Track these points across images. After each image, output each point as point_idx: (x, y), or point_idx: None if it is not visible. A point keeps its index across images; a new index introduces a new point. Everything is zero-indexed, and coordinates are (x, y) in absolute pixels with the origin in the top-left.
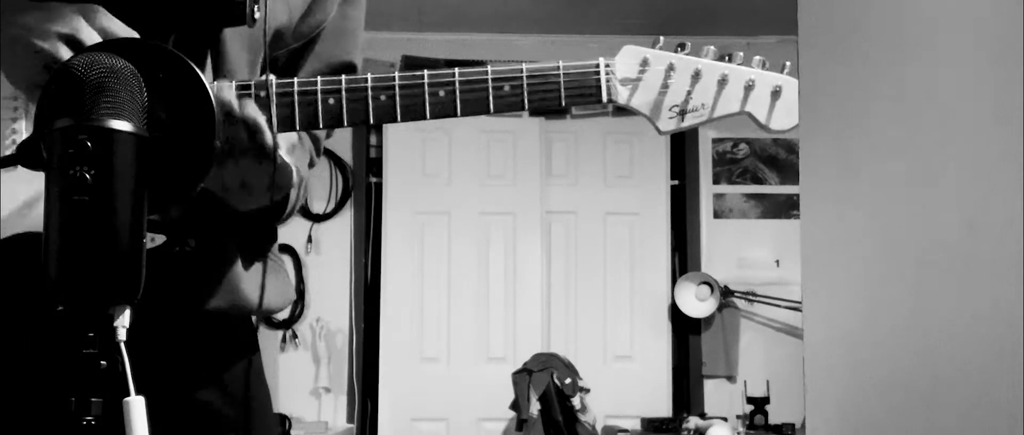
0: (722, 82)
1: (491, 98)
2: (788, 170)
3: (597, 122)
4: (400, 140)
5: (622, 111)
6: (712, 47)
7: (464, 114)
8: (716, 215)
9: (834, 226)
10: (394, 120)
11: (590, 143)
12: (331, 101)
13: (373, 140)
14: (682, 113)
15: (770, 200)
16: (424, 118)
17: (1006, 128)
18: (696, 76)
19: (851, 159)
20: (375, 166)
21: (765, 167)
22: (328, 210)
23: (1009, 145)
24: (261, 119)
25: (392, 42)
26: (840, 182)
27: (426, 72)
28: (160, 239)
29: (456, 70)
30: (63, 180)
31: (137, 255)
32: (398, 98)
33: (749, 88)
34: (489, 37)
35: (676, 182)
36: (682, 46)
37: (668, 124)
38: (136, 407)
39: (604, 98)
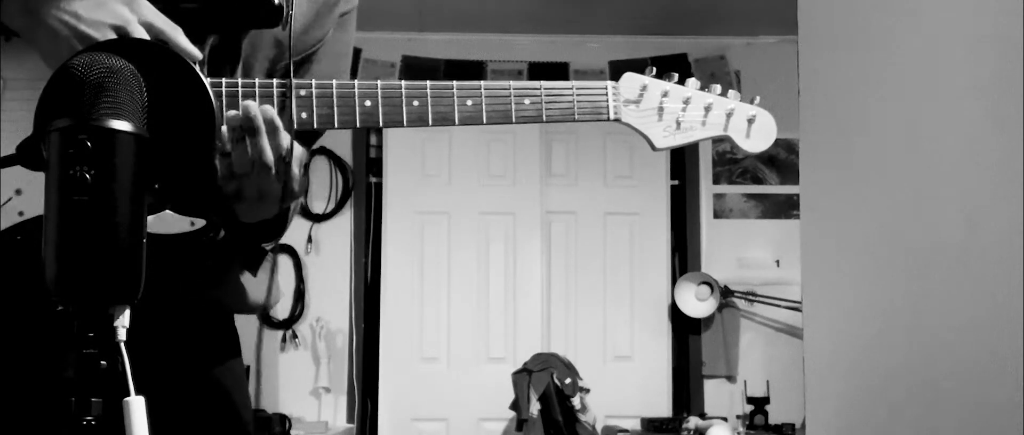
0: (708, 109)
1: (513, 110)
2: (788, 170)
3: (597, 123)
4: (400, 140)
5: None
6: (693, 79)
7: (489, 123)
8: (716, 215)
9: (834, 226)
10: (425, 124)
11: (590, 143)
12: (368, 103)
13: (373, 140)
14: (674, 133)
15: (770, 200)
16: (453, 124)
17: (1006, 128)
18: (686, 102)
19: (851, 159)
20: (375, 166)
21: (765, 167)
22: (328, 210)
23: (1009, 145)
24: (278, 120)
25: (392, 42)
26: (840, 182)
27: (455, 83)
28: (200, 223)
29: (482, 83)
30: (63, 180)
31: (137, 255)
32: (430, 104)
33: (729, 115)
34: (489, 37)
35: (676, 182)
36: (669, 76)
37: (663, 142)
38: (136, 407)
39: (611, 116)
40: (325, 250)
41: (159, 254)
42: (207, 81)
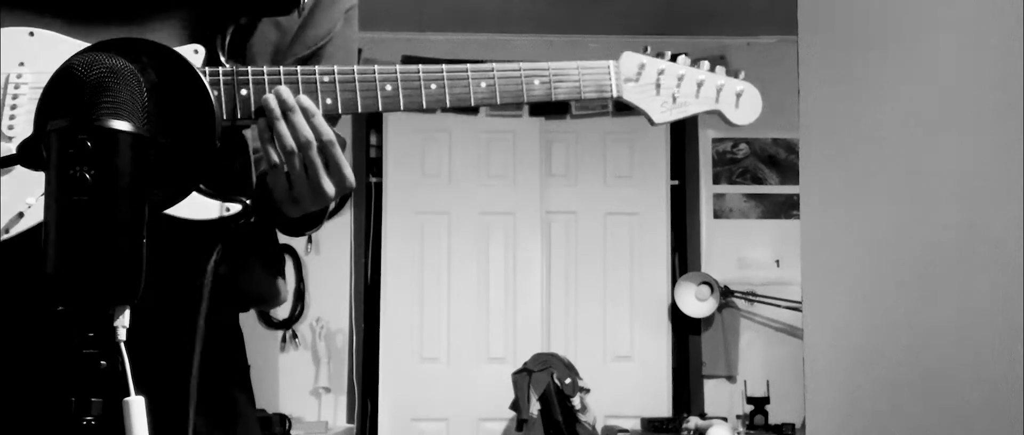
0: (700, 84)
1: (525, 90)
2: (788, 170)
3: (597, 122)
4: (400, 140)
5: (622, 111)
6: (683, 55)
7: (502, 103)
8: (716, 215)
9: (834, 226)
10: (443, 107)
11: (590, 143)
12: (389, 88)
13: (373, 140)
14: (671, 108)
15: (770, 200)
16: (469, 105)
17: (1006, 128)
18: (681, 79)
19: (851, 159)
20: (375, 166)
21: (765, 167)
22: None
23: (1009, 145)
24: (315, 107)
25: (392, 42)
26: (840, 182)
27: (469, 66)
28: (235, 208)
29: (494, 65)
30: (63, 180)
31: (137, 255)
32: (446, 87)
33: (719, 90)
34: (489, 37)
35: (676, 182)
36: (662, 54)
37: (660, 117)
38: (136, 407)
39: (614, 94)
40: (325, 250)
41: (190, 239)
42: (217, 71)
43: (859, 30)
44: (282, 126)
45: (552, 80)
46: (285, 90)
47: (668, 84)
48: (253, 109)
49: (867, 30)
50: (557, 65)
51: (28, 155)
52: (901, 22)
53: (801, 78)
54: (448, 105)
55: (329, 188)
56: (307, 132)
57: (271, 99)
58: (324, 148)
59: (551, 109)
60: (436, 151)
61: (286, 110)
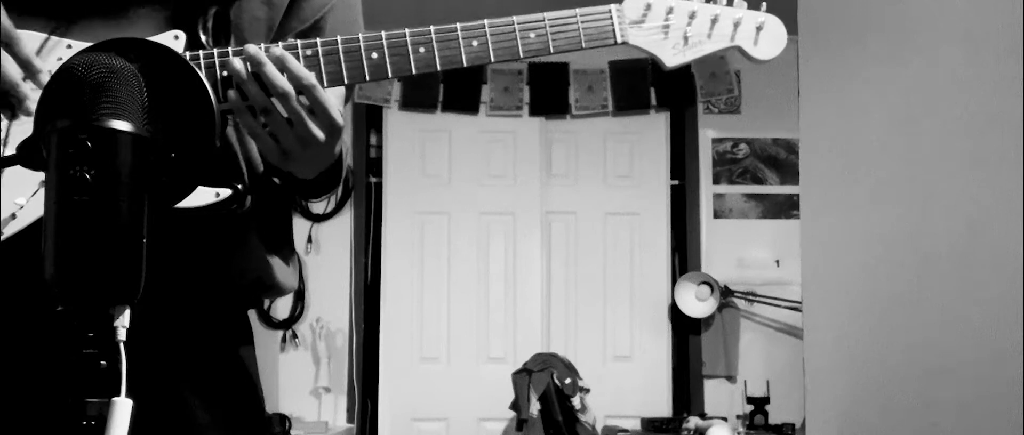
0: (714, 21)
1: (520, 45)
2: (788, 170)
3: (597, 122)
4: (400, 140)
5: (622, 110)
6: None
7: (497, 60)
8: (716, 215)
9: (834, 226)
10: (433, 70)
11: (590, 143)
12: (375, 55)
13: (373, 140)
14: (683, 49)
15: (770, 200)
16: (461, 66)
17: (1006, 129)
18: (692, 16)
19: (851, 159)
20: (375, 166)
21: (765, 167)
22: (328, 210)
23: (1009, 145)
24: (310, 75)
25: None
26: (840, 182)
27: (459, 25)
28: (226, 193)
29: (486, 21)
30: (63, 180)
31: (137, 255)
32: (436, 49)
33: (737, 24)
34: None
35: (676, 182)
36: None
37: (673, 60)
38: (121, 410)
39: (619, 39)
40: (325, 250)
41: (182, 227)
42: (197, 54)
43: (859, 30)
44: (253, 88)
45: (549, 31)
46: (252, 47)
47: (678, 24)
48: (233, 83)
49: (867, 30)
50: (553, 15)
51: (28, 155)
52: (901, 23)
53: (801, 78)
54: (439, 67)
55: (318, 133)
56: (282, 82)
57: (236, 61)
58: (305, 92)
59: (551, 109)
60: (436, 151)
61: (256, 66)
